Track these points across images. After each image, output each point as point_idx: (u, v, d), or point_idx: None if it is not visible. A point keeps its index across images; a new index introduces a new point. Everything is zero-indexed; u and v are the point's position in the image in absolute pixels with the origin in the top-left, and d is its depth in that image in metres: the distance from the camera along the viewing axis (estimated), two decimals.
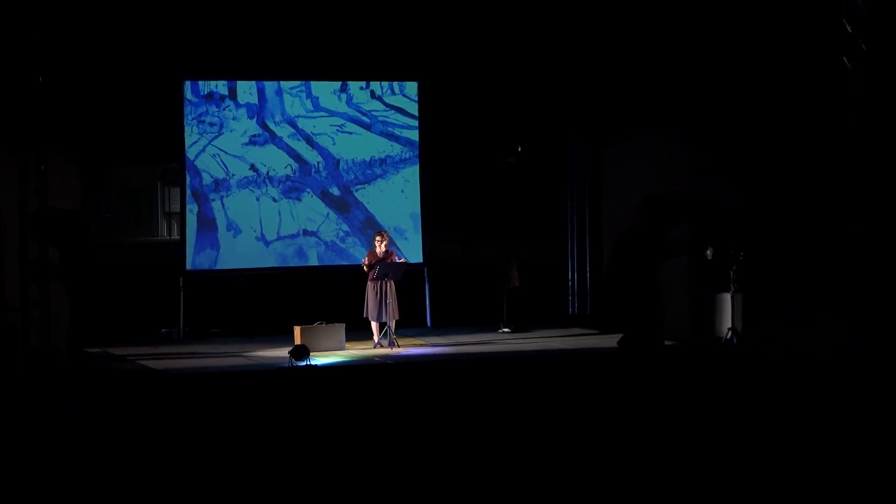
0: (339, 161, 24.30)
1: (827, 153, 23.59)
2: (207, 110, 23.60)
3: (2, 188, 20.83)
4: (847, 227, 21.81)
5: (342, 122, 24.33)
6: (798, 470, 16.04)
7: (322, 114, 24.23)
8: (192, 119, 23.49)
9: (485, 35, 24.93)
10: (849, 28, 21.43)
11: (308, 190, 24.18)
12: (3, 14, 19.21)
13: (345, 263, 23.80)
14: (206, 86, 23.67)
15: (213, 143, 23.55)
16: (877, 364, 21.51)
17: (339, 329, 21.89)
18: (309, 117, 24.16)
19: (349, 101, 24.40)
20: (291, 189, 24.06)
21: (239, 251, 23.80)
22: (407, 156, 24.66)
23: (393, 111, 24.62)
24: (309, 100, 24.20)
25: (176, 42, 23.07)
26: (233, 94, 23.79)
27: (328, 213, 24.23)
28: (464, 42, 25.07)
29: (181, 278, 23.53)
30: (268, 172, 23.87)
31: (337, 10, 23.57)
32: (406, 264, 22.99)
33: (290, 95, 24.09)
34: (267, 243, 23.94)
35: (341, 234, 24.22)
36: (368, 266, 21.89)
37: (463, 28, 24.63)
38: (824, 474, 15.85)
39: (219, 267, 23.68)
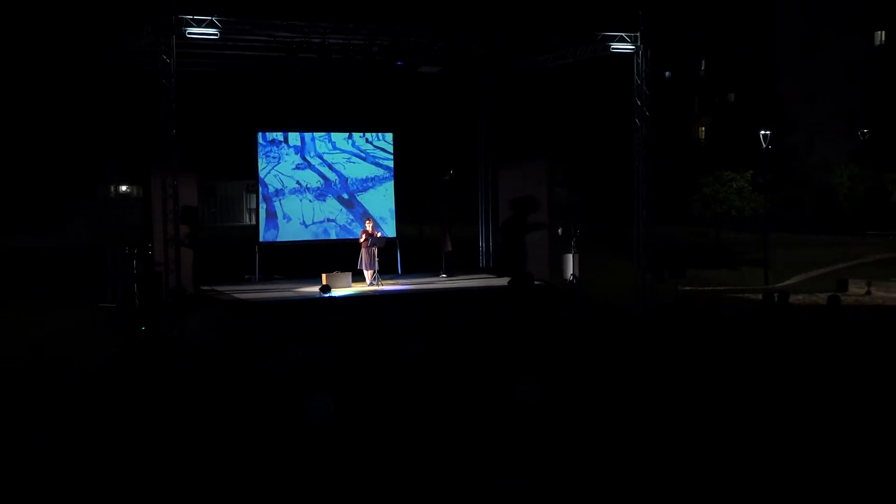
0: (347, 179, 24.21)
1: (626, 174, 23.87)
2: (271, 149, 23.42)
3: (153, 196, 20.82)
4: (637, 215, 22.08)
5: (349, 156, 24.22)
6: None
7: (338, 151, 24.10)
8: (263, 154, 23.28)
9: (429, 109, 25.17)
10: (639, 102, 21.63)
11: (329, 195, 24.06)
12: (151, 93, 19.13)
13: (351, 238, 23.74)
14: (270, 135, 23.46)
15: (275, 168, 23.40)
16: (651, 295, 21.89)
17: (348, 275, 21.74)
18: (330, 153, 24.03)
19: (353, 144, 24.29)
20: (320, 195, 23.95)
21: (290, 231, 23.64)
22: (387, 176, 24.58)
23: (378, 150, 24.51)
24: (330, 143, 24.04)
25: (254, 110, 23.14)
26: (286, 140, 23.61)
27: (341, 209, 24.15)
28: (417, 112, 25.31)
29: (256, 247, 23.35)
30: (306, 185, 23.76)
31: (345, 94, 23.70)
32: (386, 238, 23.11)
33: (319, 140, 23.93)
34: (306, 226, 23.82)
35: (349, 220, 24.14)
36: (364, 240, 21.93)
37: (417, 104, 24.84)
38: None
39: (278, 240, 23.54)
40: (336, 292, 20.64)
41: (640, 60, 21.42)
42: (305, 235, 23.88)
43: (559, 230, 23.40)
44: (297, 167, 23.73)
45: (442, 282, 23.49)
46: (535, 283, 22.38)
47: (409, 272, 24.54)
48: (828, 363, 14.58)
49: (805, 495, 9.91)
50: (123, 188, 49.19)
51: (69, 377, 15.49)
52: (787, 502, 9.81)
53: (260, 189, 23.53)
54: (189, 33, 18.48)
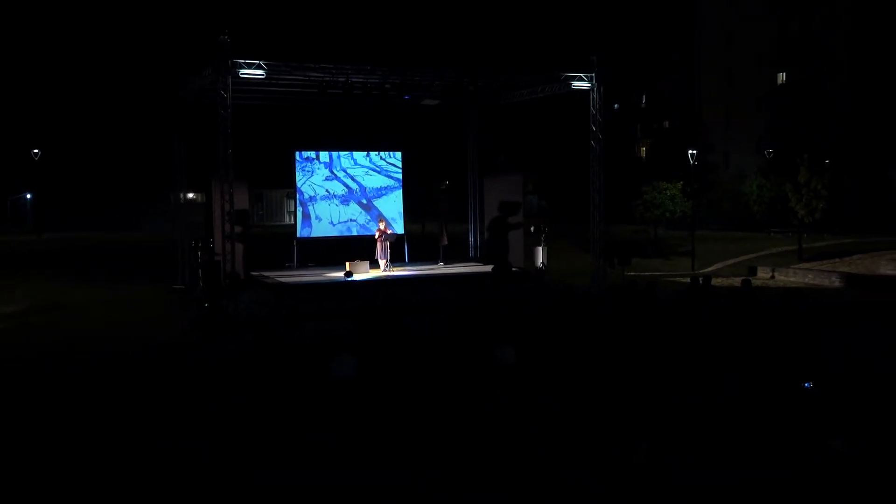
0: (366, 188, 24.13)
1: (583, 184, 23.82)
2: (306, 165, 23.33)
3: (214, 201, 20.74)
4: (592, 216, 22.08)
5: (367, 170, 24.14)
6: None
7: (358, 166, 23.99)
8: (299, 168, 23.16)
9: (430, 132, 25.11)
10: (593, 127, 21.64)
11: (352, 201, 23.99)
12: (211, 120, 19.06)
13: (368, 234, 23.66)
14: (305, 153, 23.36)
15: (308, 180, 23.34)
16: (603, 279, 21.91)
17: (366, 263, 21.66)
18: (352, 167, 23.91)
19: (370, 161, 24.20)
20: (344, 201, 23.86)
21: (321, 229, 23.54)
22: (397, 185, 24.44)
23: (391, 165, 24.40)
24: (352, 160, 23.97)
25: (292, 134, 23.05)
26: (318, 157, 23.52)
27: (361, 211, 24.04)
28: (421, 135, 25.24)
29: (294, 241, 23.31)
30: (333, 193, 23.65)
31: (364, 121, 23.63)
32: (396, 234, 23.05)
33: (344, 158, 23.84)
34: (333, 225, 23.73)
35: (367, 220, 24.03)
36: (379, 235, 21.89)
37: (421, 129, 24.78)
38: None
39: (312, 236, 23.47)
40: (357, 277, 20.62)
41: (594, 95, 21.52)
42: (333, 232, 23.82)
43: (531, 228, 23.42)
44: (327, 179, 23.67)
45: (440, 269, 23.46)
46: (513, 269, 22.42)
47: (414, 261, 24.50)
48: (740, 330, 14.73)
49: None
50: (190, 195, 49.14)
51: (155, 340, 15.63)
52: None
53: (297, 196, 23.48)
54: (241, 74, 18.50)
